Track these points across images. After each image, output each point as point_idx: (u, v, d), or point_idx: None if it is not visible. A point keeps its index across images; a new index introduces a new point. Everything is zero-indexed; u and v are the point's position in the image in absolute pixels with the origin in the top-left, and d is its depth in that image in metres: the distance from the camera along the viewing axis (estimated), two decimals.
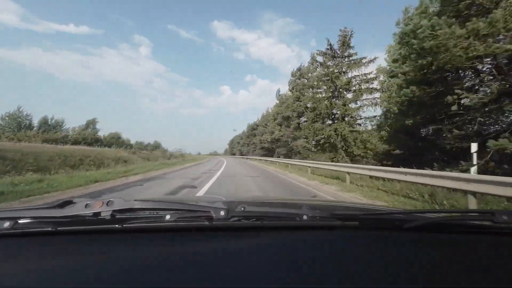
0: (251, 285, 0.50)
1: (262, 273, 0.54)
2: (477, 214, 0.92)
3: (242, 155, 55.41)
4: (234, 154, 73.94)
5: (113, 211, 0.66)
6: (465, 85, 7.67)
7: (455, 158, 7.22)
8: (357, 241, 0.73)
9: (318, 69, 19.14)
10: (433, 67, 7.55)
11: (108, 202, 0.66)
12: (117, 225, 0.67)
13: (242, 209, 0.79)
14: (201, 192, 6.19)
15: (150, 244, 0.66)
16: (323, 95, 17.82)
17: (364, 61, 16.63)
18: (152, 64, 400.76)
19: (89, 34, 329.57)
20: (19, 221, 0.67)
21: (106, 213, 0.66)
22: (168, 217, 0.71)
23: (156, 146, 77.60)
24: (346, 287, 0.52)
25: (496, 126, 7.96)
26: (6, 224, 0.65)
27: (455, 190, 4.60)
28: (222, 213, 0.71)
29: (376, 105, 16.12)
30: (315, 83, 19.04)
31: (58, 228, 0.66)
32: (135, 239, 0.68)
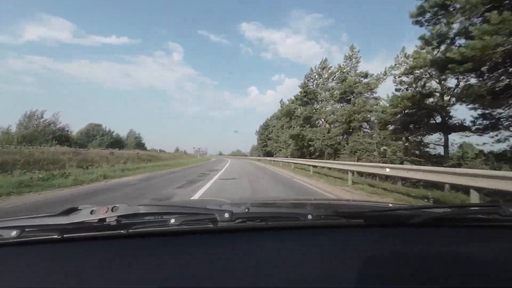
0: (257, 286, 0.51)
1: (268, 274, 0.54)
2: (482, 208, 0.92)
3: (294, 157, 21.64)
4: (270, 155, 37.23)
5: (118, 216, 0.66)
6: None
7: None
8: (363, 239, 0.73)
9: None
10: None
11: (113, 208, 0.66)
12: (122, 231, 0.67)
13: (246, 210, 0.79)
14: None
15: (156, 249, 0.66)
16: None
17: None
18: (184, 69, 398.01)
19: (128, 44, 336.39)
20: (26, 230, 0.67)
21: (111, 219, 0.66)
22: (172, 221, 0.71)
23: (137, 143, 60.21)
24: (353, 285, 0.52)
25: None
26: (13, 233, 0.66)
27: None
28: (226, 215, 0.71)
29: None
30: None
31: (65, 235, 0.66)
32: (140, 244, 0.68)
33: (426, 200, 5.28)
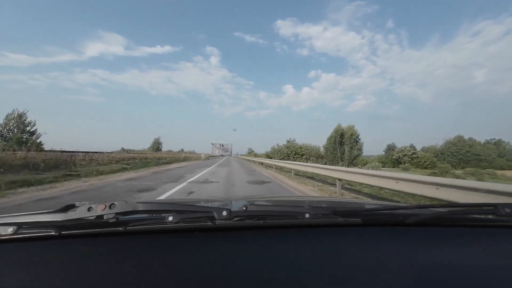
0: (255, 284, 0.51)
1: (266, 273, 0.54)
2: (479, 207, 0.92)
3: None
4: None
5: (116, 213, 0.66)
6: None
7: None
8: (360, 238, 0.73)
9: None
10: None
11: (110, 205, 0.66)
12: (120, 228, 0.67)
13: (244, 208, 0.79)
14: None
15: (154, 246, 0.66)
16: None
17: None
18: (221, 71, 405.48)
19: (171, 52, 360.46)
20: (23, 226, 0.67)
21: (109, 216, 0.66)
22: (170, 218, 0.71)
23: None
24: (350, 284, 0.52)
25: None
26: (10, 229, 0.65)
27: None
28: (224, 213, 0.71)
29: None
30: None
31: (62, 232, 0.66)
32: (138, 241, 0.68)
33: None
